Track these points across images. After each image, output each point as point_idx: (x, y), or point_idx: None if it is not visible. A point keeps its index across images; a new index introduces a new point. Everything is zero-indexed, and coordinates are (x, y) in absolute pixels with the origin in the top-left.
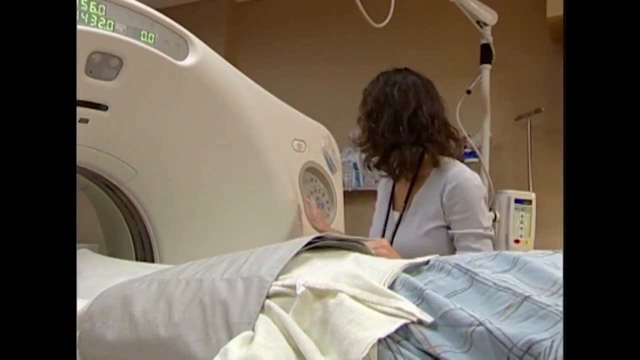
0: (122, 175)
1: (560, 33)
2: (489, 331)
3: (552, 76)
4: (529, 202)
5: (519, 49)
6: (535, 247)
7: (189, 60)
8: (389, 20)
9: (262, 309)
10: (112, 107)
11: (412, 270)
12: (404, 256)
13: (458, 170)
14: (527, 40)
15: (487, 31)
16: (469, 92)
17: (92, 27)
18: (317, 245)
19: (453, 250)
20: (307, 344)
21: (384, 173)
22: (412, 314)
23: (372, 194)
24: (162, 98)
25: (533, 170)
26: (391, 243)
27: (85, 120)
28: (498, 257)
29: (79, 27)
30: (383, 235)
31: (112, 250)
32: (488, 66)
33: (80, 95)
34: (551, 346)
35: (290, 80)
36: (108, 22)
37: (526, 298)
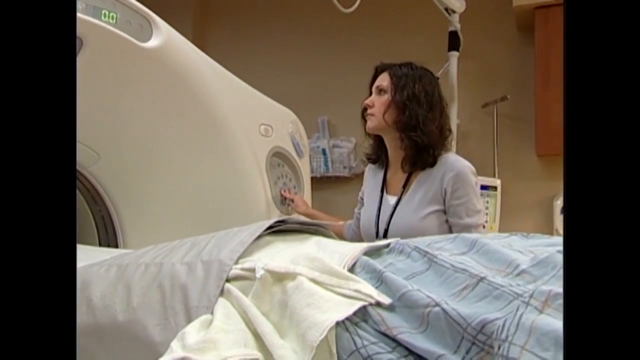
0: (84, 159)
1: (525, 22)
2: (445, 312)
3: (518, 64)
4: (495, 188)
5: (486, 37)
6: (500, 232)
7: (153, 42)
8: (357, 6)
9: (222, 293)
10: None
11: (373, 253)
12: (404, 236)
13: (455, 159)
14: (494, 28)
15: (455, 18)
16: (437, 78)
17: None
18: (280, 229)
19: (449, 232)
20: (265, 327)
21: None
22: (370, 296)
23: (341, 180)
24: (124, 80)
25: (499, 157)
26: (388, 225)
27: None
28: (457, 240)
29: None
30: (378, 219)
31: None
32: (456, 53)
33: None
34: (503, 325)
35: (259, 66)
36: None
37: (482, 279)
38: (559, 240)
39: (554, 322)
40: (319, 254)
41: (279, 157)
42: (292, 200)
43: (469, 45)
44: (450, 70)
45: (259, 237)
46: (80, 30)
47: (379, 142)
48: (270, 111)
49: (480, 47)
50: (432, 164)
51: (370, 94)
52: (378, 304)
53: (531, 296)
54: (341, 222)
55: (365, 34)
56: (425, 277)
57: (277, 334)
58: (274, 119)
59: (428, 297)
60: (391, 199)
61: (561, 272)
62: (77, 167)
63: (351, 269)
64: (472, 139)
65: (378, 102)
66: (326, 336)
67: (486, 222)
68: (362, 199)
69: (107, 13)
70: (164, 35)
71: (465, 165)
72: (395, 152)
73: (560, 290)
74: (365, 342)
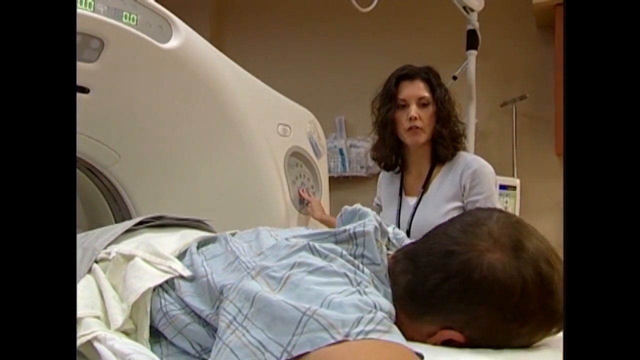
0: (105, 160)
1: (545, 20)
2: (208, 280)
3: (537, 63)
4: (514, 188)
5: (505, 36)
6: None
7: (173, 43)
8: (375, 5)
9: (90, 271)
10: (94, 89)
11: (209, 240)
12: None
13: (473, 158)
14: (513, 26)
15: (474, 17)
16: (454, 78)
17: None
18: (165, 223)
19: None
20: (109, 294)
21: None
22: (176, 271)
23: (358, 180)
24: (145, 81)
25: (518, 157)
26: (409, 225)
27: None
28: (253, 232)
29: None
30: (398, 220)
31: None
32: (474, 52)
33: None
34: (230, 287)
35: (276, 66)
36: (88, 2)
37: (237, 258)
38: (308, 231)
39: (253, 284)
40: (181, 242)
41: (297, 157)
42: (309, 202)
43: (488, 44)
44: (469, 69)
45: (136, 230)
46: (101, 32)
47: (395, 148)
48: (289, 111)
49: (499, 46)
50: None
51: (386, 93)
52: (182, 276)
53: (253, 269)
54: None
55: (382, 33)
56: (220, 258)
57: (116, 299)
58: (292, 119)
59: (205, 270)
60: (411, 200)
61: (280, 252)
62: (98, 167)
63: (185, 252)
64: (490, 138)
65: (425, 116)
66: (144, 299)
67: None
68: (378, 205)
69: (128, 15)
70: (183, 36)
71: (484, 163)
72: (420, 157)
73: (267, 264)
74: (167, 303)
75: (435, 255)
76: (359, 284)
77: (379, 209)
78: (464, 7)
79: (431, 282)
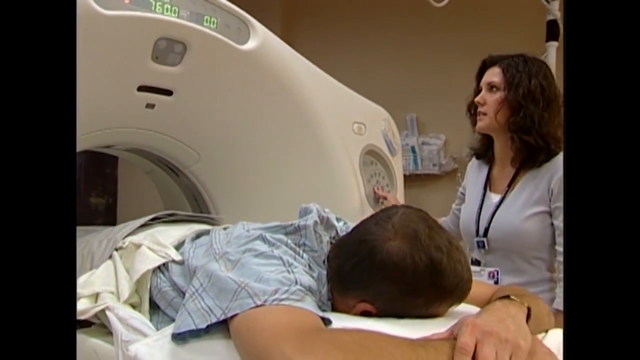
0: (186, 159)
1: None
2: (188, 264)
3: None
4: None
5: None
6: None
7: (250, 44)
8: None
9: (111, 257)
10: (177, 92)
11: (205, 232)
12: (504, 236)
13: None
14: None
15: (555, 6)
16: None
17: (158, 14)
18: (182, 219)
19: (551, 236)
20: (121, 274)
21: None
22: (170, 256)
23: (431, 177)
24: (224, 82)
25: None
26: (489, 223)
27: (152, 106)
28: (234, 225)
29: (146, 14)
30: (479, 216)
31: None
32: (555, 44)
33: (147, 81)
34: (200, 268)
35: (347, 63)
36: (173, 8)
37: (211, 245)
38: (269, 224)
39: (215, 265)
40: (187, 233)
41: (372, 155)
42: (385, 198)
43: None
44: (549, 62)
45: (152, 224)
46: (184, 36)
47: (487, 138)
48: (363, 109)
49: None
50: (545, 161)
51: (477, 88)
52: (175, 261)
53: (218, 254)
54: (443, 219)
55: (455, 28)
56: (204, 246)
57: (126, 278)
58: (367, 117)
59: (189, 256)
60: (494, 197)
61: (240, 241)
62: (179, 167)
63: (183, 242)
64: None
65: (490, 100)
66: (145, 278)
67: None
68: (462, 194)
69: (208, 18)
70: (260, 37)
71: None
72: (504, 151)
73: (229, 249)
74: (161, 282)
75: (354, 243)
76: (290, 265)
77: (462, 198)
78: None
79: (349, 265)
